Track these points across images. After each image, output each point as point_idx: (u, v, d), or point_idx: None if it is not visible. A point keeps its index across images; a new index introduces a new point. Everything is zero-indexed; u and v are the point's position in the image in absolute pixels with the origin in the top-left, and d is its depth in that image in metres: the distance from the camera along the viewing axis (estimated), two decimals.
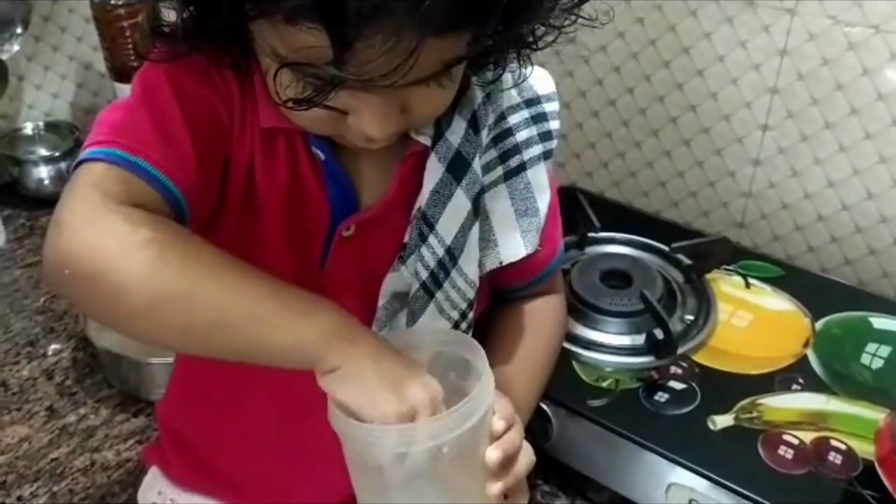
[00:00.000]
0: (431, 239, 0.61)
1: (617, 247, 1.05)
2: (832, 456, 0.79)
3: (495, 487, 0.56)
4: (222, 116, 0.57)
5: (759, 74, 1.07)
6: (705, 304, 0.97)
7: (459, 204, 0.61)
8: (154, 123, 0.54)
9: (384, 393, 0.50)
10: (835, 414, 0.84)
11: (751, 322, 0.96)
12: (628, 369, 0.89)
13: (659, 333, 0.90)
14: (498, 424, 0.56)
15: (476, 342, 0.59)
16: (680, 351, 0.90)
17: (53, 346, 1.03)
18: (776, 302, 0.99)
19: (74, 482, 0.86)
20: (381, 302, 0.64)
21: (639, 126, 1.22)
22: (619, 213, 1.17)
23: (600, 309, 0.94)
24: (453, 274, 0.63)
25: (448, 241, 0.62)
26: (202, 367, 0.69)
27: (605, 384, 0.87)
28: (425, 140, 0.61)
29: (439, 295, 0.63)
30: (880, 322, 0.96)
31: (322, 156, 0.60)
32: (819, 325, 0.95)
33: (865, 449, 0.80)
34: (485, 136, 0.63)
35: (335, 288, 0.62)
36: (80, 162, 0.53)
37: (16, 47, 1.21)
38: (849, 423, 0.83)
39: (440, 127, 0.61)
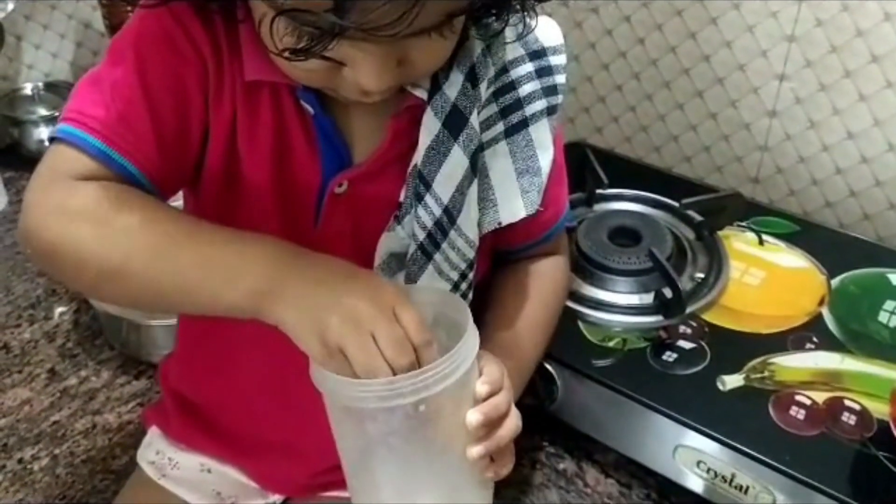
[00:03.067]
0: (428, 198, 0.59)
1: (626, 203, 1.02)
2: (846, 416, 0.77)
3: (474, 450, 0.54)
4: (189, 85, 0.56)
5: (776, 22, 1.03)
6: (717, 262, 0.94)
7: (456, 161, 0.59)
8: (113, 101, 0.54)
9: (312, 342, 0.50)
10: (849, 373, 0.81)
11: (764, 280, 0.93)
12: (636, 329, 0.87)
13: (668, 292, 0.87)
14: (481, 388, 0.54)
15: (461, 301, 0.57)
16: (689, 310, 0.88)
17: (56, 309, 1.02)
18: (791, 259, 0.96)
19: (76, 445, 0.85)
20: (376, 262, 0.62)
21: (650, 78, 1.18)
22: (629, 168, 1.13)
23: (608, 267, 0.91)
24: (451, 234, 0.61)
25: (445, 201, 0.59)
26: (203, 327, 0.69)
27: (611, 344, 0.85)
28: (421, 94, 0.58)
29: (437, 256, 0.61)
30: None
31: (311, 109, 0.58)
32: (835, 282, 0.92)
33: (880, 409, 0.77)
34: (484, 89, 0.60)
35: (329, 245, 0.59)
36: (56, 132, 0.55)
37: (11, 5, 1.19)
38: (864, 382, 0.80)
39: (437, 80, 0.58)
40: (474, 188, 0.61)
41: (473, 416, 0.53)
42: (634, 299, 0.89)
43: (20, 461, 0.84)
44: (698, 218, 0.98)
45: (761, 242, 0.98)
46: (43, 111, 1.25)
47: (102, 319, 0.97)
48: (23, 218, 0.54)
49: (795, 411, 0.77)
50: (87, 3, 1.32)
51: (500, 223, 0.65)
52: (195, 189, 0.62)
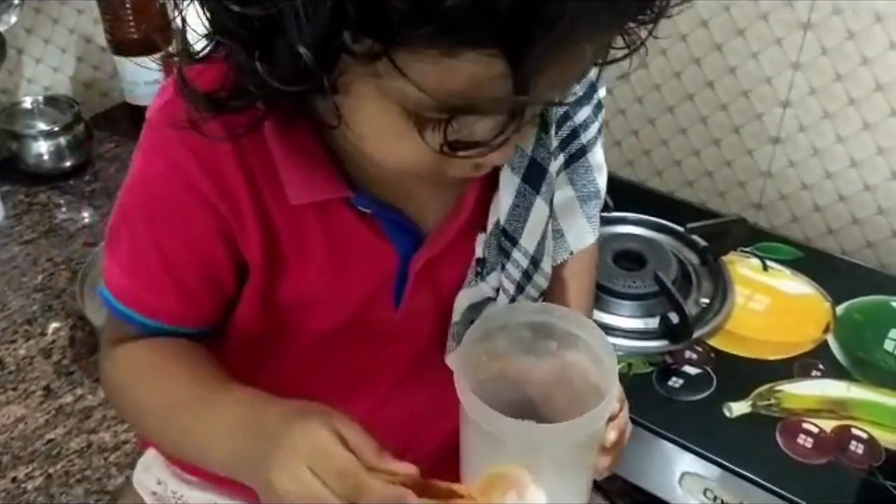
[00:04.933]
0: (515, 253, 0.58)
1: (630, 227, 1.02)
2: (853, 445, 0.76)
3: (606, 461, 0.57)
4: (208, 240, 0.54)
5: (781, 48, 1.03)
6: (721, 287, 0.94)
7: (540, 212, 0.58)
8: (133, 271, 0.56)
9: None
10: (856, 401, 0.81)
11: (768, 306, 0.93)
12: (641, 353, 0.86)
13: (674, 317, 0.87)
14: (615, 406, 0.55)
15: (584, 318, 0.57)
16: (695, 335, 0.87)
17: (52, 325, 1.01)
18: (795, 285, 0.96)
19: (70, 464, 0.84)
20: (455, 318, 0.60)
21: (654, 103, 1.18)
22: (632, 192, 1.13)
23: (613, 291, 0.90)
24: (535, 277, 0.61)
25: (532, 251, 0.59)
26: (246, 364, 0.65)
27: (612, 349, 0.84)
28: None
29: (520, 298, 0.61)
30: None
31: (370, 210, 0.54)
32: (840, 309, 0.92)
33: (888, 438, 0.77)
34: (554, 134, 0.59)
35: (413, 320, 0.59)
36: (107, 304, 0.58)
37: (14, 18, 1.18)
38: (871, 411, 0.80)
39: None
40: (550, 226, 0.61)
41: (612, 434, 0.56)
42: (639, 324, 0.89)
43: (14, 480, 0.82)
44: (703, 243, 0.97)
45: (765, 268, 0.97)
46: (42, 125, 1.24)
47: (99, 335, 0.96)
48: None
49: (803, 439, 0.77)
50: (89, 17, 1.31)
51: (571, 252, 0.64)
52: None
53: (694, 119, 1.15)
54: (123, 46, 1.22)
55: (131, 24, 1.19)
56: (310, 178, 0.51)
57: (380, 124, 0.42)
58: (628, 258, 0.94)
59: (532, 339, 0.58)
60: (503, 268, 0.59)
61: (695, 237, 0.98)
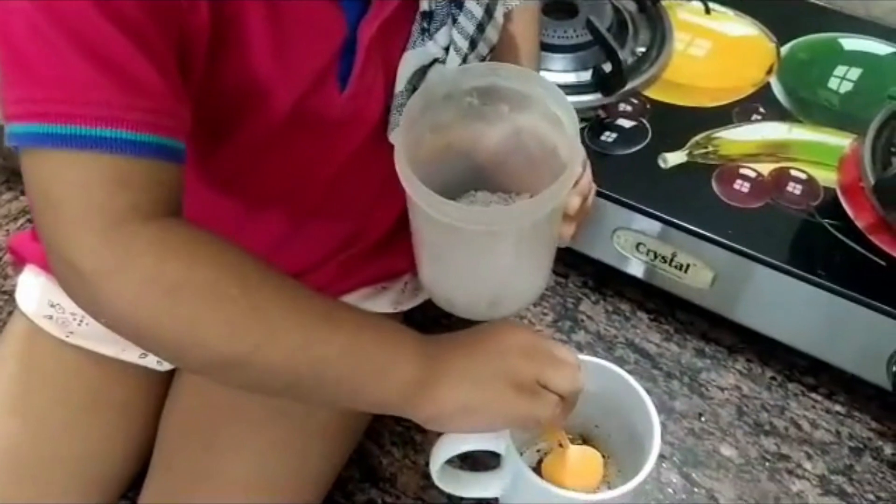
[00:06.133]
0: (469, 2, 0.51)
1: None
2: (791, 186, 0.73)
3: (570, 230, 0.55)
4: None
5: None
6: (660, 35, 0.86)
7: None
8: (85, 54, 0.38)
9: (503, 409, 0.48)
10: (797, 143, 0.77)
11: (709, 50, 0.86)
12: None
13: (607, 67, 0.80)
14: (577, 171, 0.52)
15: (537, 75, 0.53)
16: (630, 86, 0.81)
17: None
18: (738, 27, 0.88)
19: None
20: (398, 87, 0.53)
21: None
22: None
23: (542, 43, 0.82)
24: (487, 29, 0.54)
25: None
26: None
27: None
28: None
29: (471, 58, 0.55)
30: (851, 43, 0.86)
31: None
32: (784, 49, 0.86)
33: (828, 177, 0.73)
34: None
35: (362, 101, 0.53)
36: (30, 141, 0.39)
37: None
38: (811, 151, 0.76)
39: None
40: None
41: (575, 200, 0.54)
42: (571, 77, 0.81)
43: None
44: None
45: (708, 11, 0.89)
46: None
47: None
48: (86, 292, 0.41)
49: (739, 185, 0.73)
50: None
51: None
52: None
53: None
54: None
55: None
56: None
57: None
58: (557, 6, 0.85)
59: (480, 105, 0.52)
60: (454, 21, 0.52)
61: None
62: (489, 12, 0.54)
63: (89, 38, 0.38)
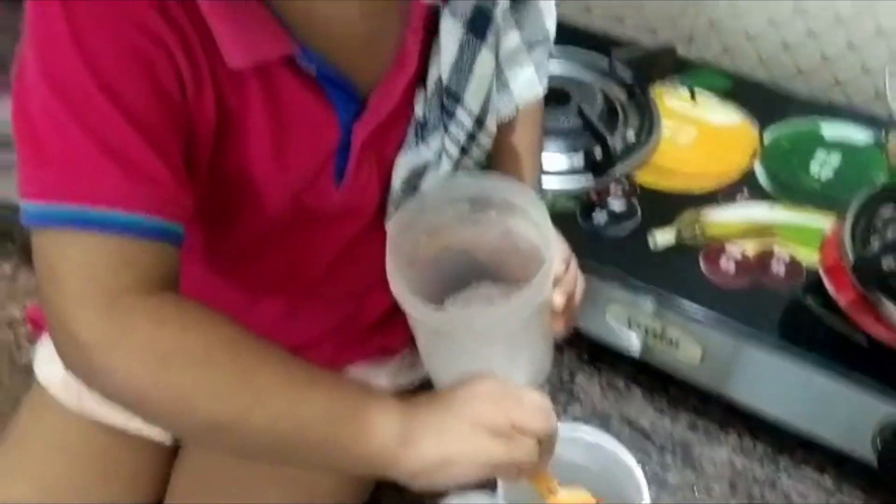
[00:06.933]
0: (459, 112, 0.54)
1: (553, 63, 0.97)
2: (776, 266, 0.76)
3: (559, 325, 0.57)
4: (169, 86, 0.44)
5: None
6: (648, 121, 0.91)
7: (485, 64, 0.53)
8: (96, 144, 0.42)
9: (481, 456, 0.49)
10: (780, 224, 0.80)
11: (696, 137, 0.91)
12: (566, 190, 0.84)
13: (597, 151, 0.84)
14: (559, 268, 0.55)
15: (519, 184, 0.57)
16: (620, 170, 0.85)
17: None
18: (723, 115, 0.93)
19: None
20: (396, 185, 0.56)
21: None
22: (557, 28, 1.07)
23: None
24: (479, 136, 0.57)
25: (476, 111, 0.55)
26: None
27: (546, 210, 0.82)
28: None
29: (465, 161, 0.58)
30: (831, 130, 0.91)
31: (313, 66, 0.48)
32: (767, 135, 0.90)
33: (810, 258, 0.76)
34: None
35: (357, 196, 0.56)
36: (39, 220, 0.42)
37: None
38: (794, 232, 0.79)
39: None
40: (495, 80, 0.56)
41: (559, 298, 0.56)
42: (563, 160, 0.86)
43: None
44: (629, 75, 0.93)
45: (694, 98, 0.95)
46: None
47: (1, 210, 0.90)
48: (82, 362, 0.44)
49: (726, 264, 0.76)
50: None
51: (517, 107, 0.60)
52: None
53: None
54: None
55: None
56: (249, 34, 0.45)
57: None
58: (551, 94, 0.89)
59: (471, 212, 0.56)
60: (446, 129, 0.55)
61: (620, 70, 0.94)
62: (480, 122, 0.57)
63: (101, 128, 0.42)
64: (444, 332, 0.52)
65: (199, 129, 0.47)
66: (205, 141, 0.47)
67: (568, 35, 1.00)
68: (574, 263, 0.60)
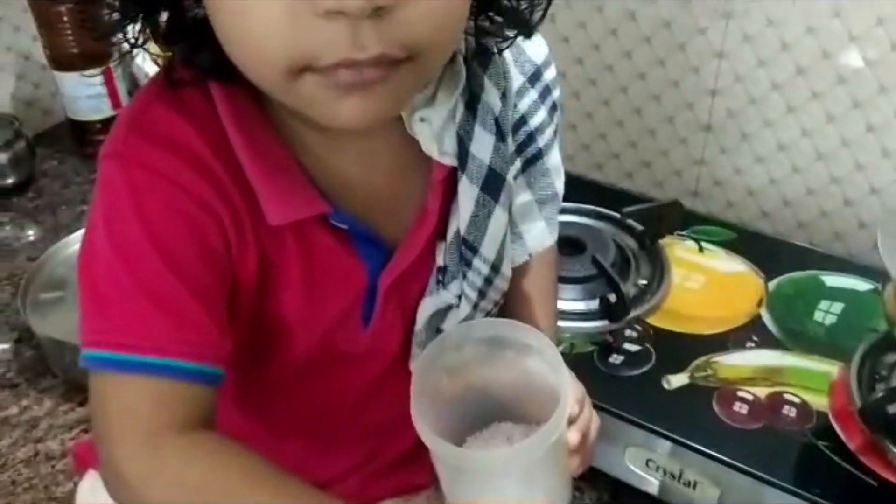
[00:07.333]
0: (476, 261, 0.59)
1: (569, 216, 1.04)
2: (786, 409, 0.79)
3: (575, 462, 0.59)
4: (217, 248, 0.50)
5: (706, 38, 1.07)
6: (659, 269, 0.97)
7: (499, 220, 0.58)
8: (159, 305, 0.48)
9: None
10: (788, 369, 0.84)
11: (704, 284, 0.96)
12: (583, 333, 0.88)
13: (612, 297, 0.89)
14: (574, 408, 0.57)
15: (534, 329, 0.58)
16: (634, 314, 0.90)
17: None
18: (729, 264, 0.99)
19: (17, 473, 0.83)
20: (418, 326, 0.61)
21: (591, 97, 1.21)
22: (572, 184, 1.15)
23: None
24: (496, 281, 0.62)
25: (492, 259, 0.60)
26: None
27: (559, 349, 0.86)
28: (450, 161, 0.56)
29: (482, 303, 0.62)
30: (833, 280, 0.96)
31: (346, 225, 0.54)
32: (772, 284, 0.95)
33: (819, 402, 0.79)
34: (510, 141, 0.59)
35: (383, 337, 0.59)
36: (95, 364, 0.49)
37: None
38: (802, 377, 0.83)
39: (463, 143, 0.56)
40: (509, 231, 0.61)
41: (574, 436, 0.58)
42: (580, 305, 0.91)
43: None
44: (639, 227, 1.00)
45: (701, 250, 1.01)
46: None
47: (45, 346, 0.95)
48: (120, 489, 0.48)
49: (739, 406, 0.79)
50: (26, 34, 1.31)
51: (530, 255, 0.65)
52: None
53: (629, 111, 1.19)
54: (63, 61, 1.21)
55: (70, 38, 1.19)
56: (288, 196, 0.51)
57: None
58: (568, 244, 0.96)
59: (489, 352, 0.59)
60: (464, 276, 0.59)
61: (631, 222, 1.01)
62: (496, 268, 0.61)
63: (154, 285, 0.48)
64: (465, 468, 0.56)
65: (242, 281, 0.52)
66: (246, 291, 0.53)
67: (582, 190, 1.09)
68: (588, 403, 0.63)
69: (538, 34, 0.60)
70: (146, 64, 1.12)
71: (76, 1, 1.15)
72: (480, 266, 0.59)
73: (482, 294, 0.61)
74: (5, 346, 0.99)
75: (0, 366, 0.96)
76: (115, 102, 1.27)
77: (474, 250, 0.59)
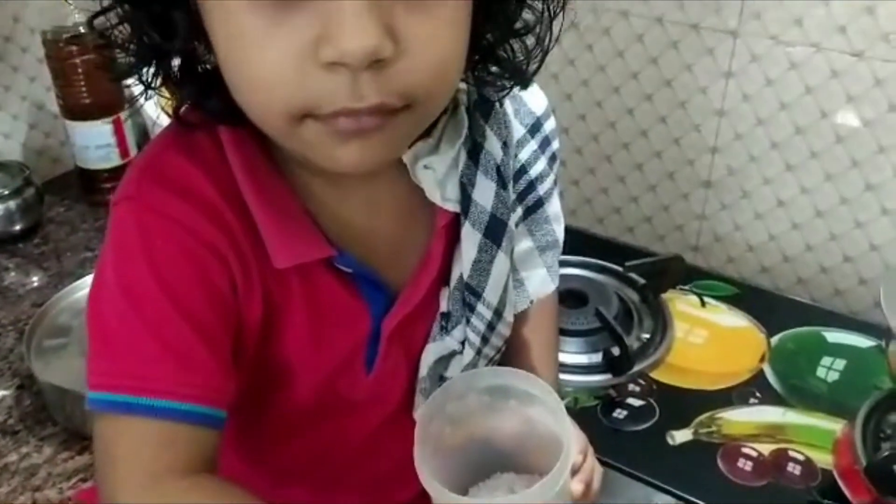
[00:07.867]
0: (479, 307, 0.60)
1: (572, 269, 1.05)
2: (791, 467, 0.79)
3: None
4: (224, 289, 0.50)
5: (706, 96, 1.10)
6: (661, 323, 0.97)
7: (502, 265, 0.60)
8: (165, 348, 0.48)
9: None
10: (792, 426, 0.84)
11: (707, 339, 0.96)
12: (586, 387, 0.88)
13: (615, 350, 0.89)
14: (577, 458, 0.58)
15: (537, 378, 0.58)
16: (637, 368, 0.90)
17: None
18: (731, 319, 0.99)
19: None
20: (422, 373, 0.61)
21: (592, 152, 1.23)
22: (574, 238, 1.16)
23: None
24: (498, 327, 0.62)
25: (495, 304, 0.60)
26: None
27: (563, 402, 0.86)
28: (453, 207, 0.57)
29: (485, 349, 0.63)
30: (834, 336, 0.96)
31: (350, 269, 0.55)
32: (774, 340, 0.96)
33: (823, 459, 0.79)
34: (511, 188, 0.61)
35: (386, 382, 0.60)
36: (100, 406, 0.49)
37: None
38: (806, 434, 0.83)
39: (466, 190, 0.57)
40: (511, 277, 0.62)
41: (578, 486, 0.58)
42: (583, 359, 0.91)
43: None
44: (642, 281, 1.01)
45: (703, 304, 1.01)
46: None
47: (46, 393, 0.95)
48: None
49: (743, 463, 0.79)
50: (40, 84, 1.33)
51: (531, 301, 0.66)
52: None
53: (631, 167, 1.20)
54: (76, 111, 1.24)
55: (83, 89, 1.21)
56: (294, 240, 0.52)
57: (238, 30, 0.43)
58: (571, 297, 0.97)
59: (492, 402, 0.59)
60: (468, 321, 0.60)
61: (634, 276, 1.02)
62: (498, 313, 0.62)
63: (161, 327, 0.48)
64: None
65: (248, 323, 0.53)
66: (251, 334, 0.53)
67: (584, 244, 1.10)
68: (591, 453, 0.63)
69: (537, 86, 0.62)
70: (156, 114, 1.14)
71: (93, 48, 1.17)
72: (483, 311, 0.60)
73: (485, 340, 0.62)
74: (7, 392, 0.98)
75: (2, 412, 0.95)
76: (124, 152, 1.28)
77: (477, 295, 0.59)
